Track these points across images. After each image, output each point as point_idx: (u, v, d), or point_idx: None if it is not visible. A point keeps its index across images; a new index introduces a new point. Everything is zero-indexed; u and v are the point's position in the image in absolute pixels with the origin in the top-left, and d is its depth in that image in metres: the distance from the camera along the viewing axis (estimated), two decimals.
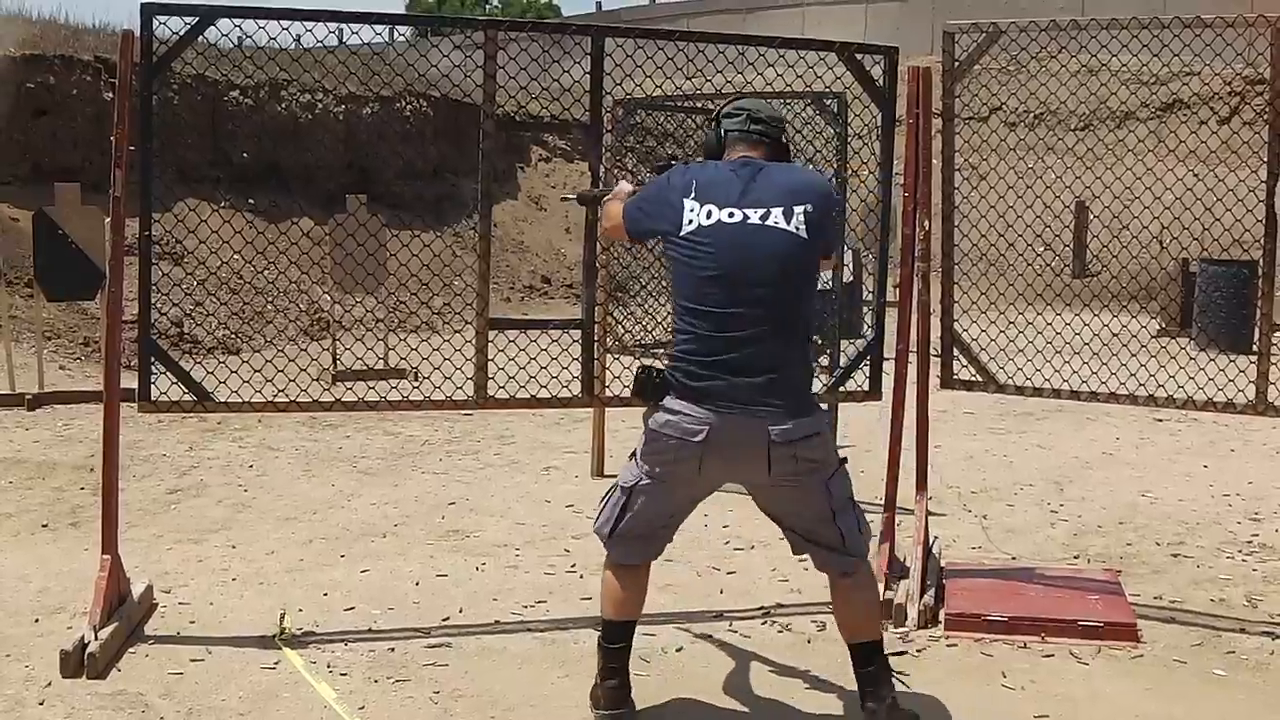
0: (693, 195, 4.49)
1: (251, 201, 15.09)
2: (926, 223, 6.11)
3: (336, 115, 19.02)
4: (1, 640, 5.44)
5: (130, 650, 5.31)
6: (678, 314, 4.55)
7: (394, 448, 9.70)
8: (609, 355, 8.00)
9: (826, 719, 4.78)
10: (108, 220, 6.04)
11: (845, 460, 4.65)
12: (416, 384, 6.36)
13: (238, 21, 5.63)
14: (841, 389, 6.47)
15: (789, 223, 4.42)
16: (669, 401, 4.45)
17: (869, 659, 4.57)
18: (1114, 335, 7.69)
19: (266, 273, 12.03)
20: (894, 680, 4.64)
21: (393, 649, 5.43)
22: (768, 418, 4.35)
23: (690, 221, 4.46)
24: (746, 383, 4.36)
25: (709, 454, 4.39)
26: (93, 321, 13.37)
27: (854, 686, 5.01)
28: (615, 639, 4.70)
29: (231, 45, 6.06)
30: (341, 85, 18.28)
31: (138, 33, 5.39)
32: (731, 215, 4.43)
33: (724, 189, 4.48)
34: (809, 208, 4.45)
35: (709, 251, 4.42)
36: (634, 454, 4.63)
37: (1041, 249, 7.06)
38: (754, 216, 4.42)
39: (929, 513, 6.36)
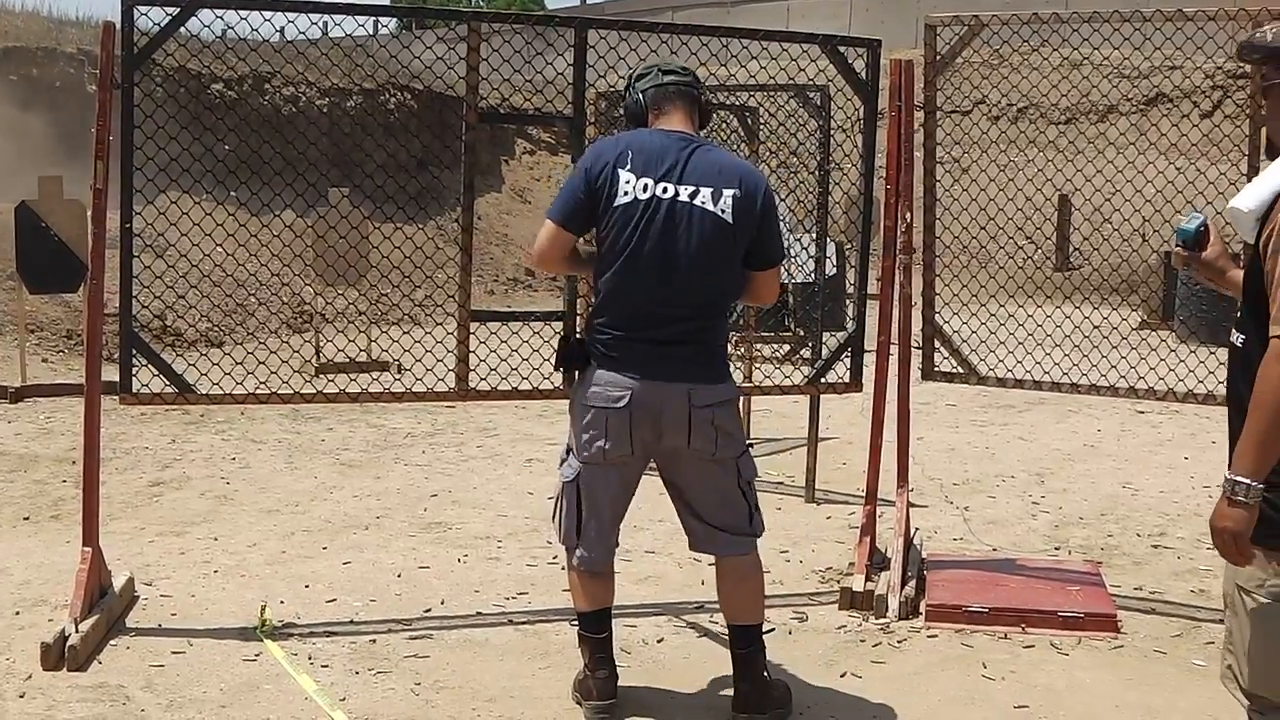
0: (628, 166, 4.48)
1: (234, 194, 15.05)
2: (908, 215, 6.12)
3: (320, 108, 18.99)
4: None
5: (111, 643, 5.31)
6: (598, 283, 4.59)
7: (376, 440, 9.70)
8: None
9: (805, 709, 4.79)
10: (89, 213, 6.03)
11: (751, 445, 4.73)
12: (399, 376, 6.35)
13: (220, 13, 5.61)
14: (823, 381, 6.48)
15: (715, 204, 4.45)
16: (592, 374, 4.53)
17: (749, 640, 4.68)
18: (1095, 328, 7.71)
19: (249, 265, 12.02)
20: (768, 660, 4.75)
21: (374, 641, 5.43)
22: (688, 383, 4.46)
23: (626, 194, 4.46)
24: (664, 353, 4.46)
25: (635, 419, 4.47)
26: (75, 314, 13.34)
27: (835, 677, 5.08)
28: (597, 629, 4.72)
29: (214, 37, 6.02)
30: (324, 77, 18.26)
31: (119, 24, 5.38)
32: (665, 190, 4.45)
33: (661, 162, 4.48)
34: (736, 193, 4.46)
35: (637, 225, 4.44)
36: (567, 450, 4.71)
37: (1023, 242, 7.07)
38: (684, 194, 4.44)
39: (910, 504, 6.37)
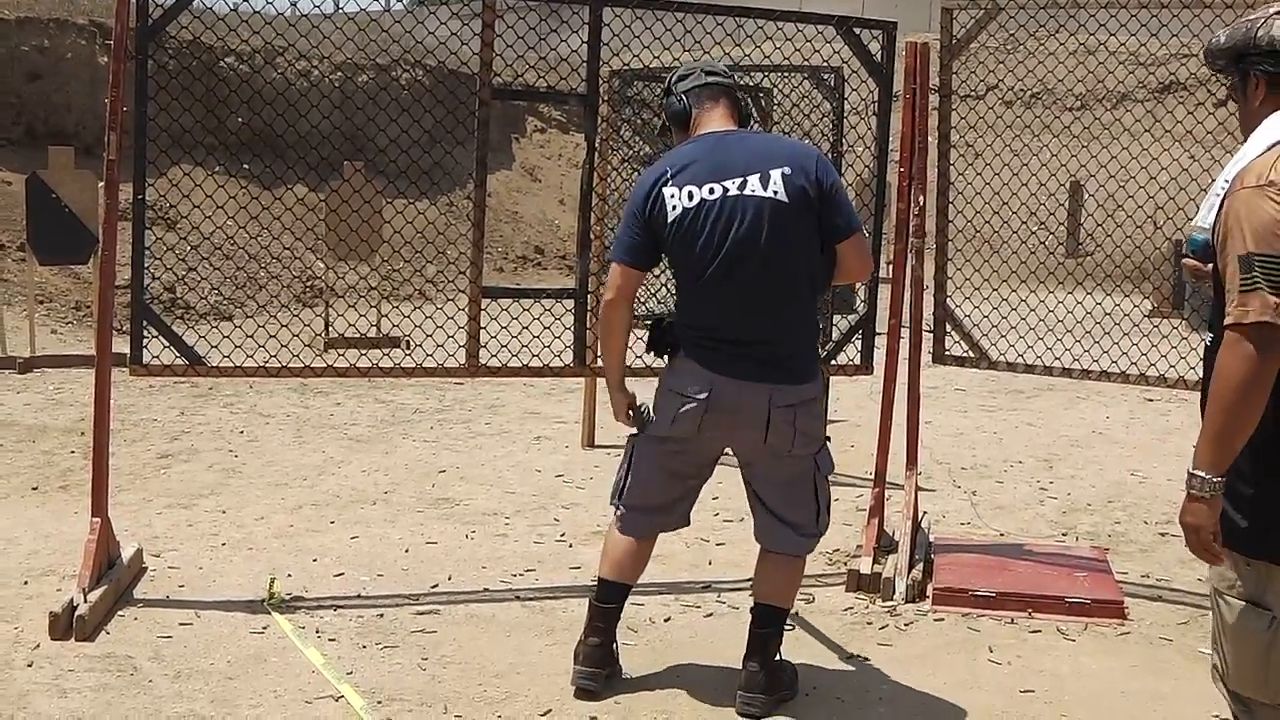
0: (670, 182, 4.47)
1: (246, 167, 15.06)
2: (921, 199, 6.12)
3: (332, 82, 18.96)
4: None
5: (119, 613, 5.32)
6: (677, 288, 4.61)
7: (385, 415, 9.71)
8: None
9: (813, 690, 4.79)
10: (101, 184, 6.02)
11: (829, 438, 4.68)
12: (409, 352, 6.34)
13: None
14: (833, 363, 6.47)
15: (766, 188, 4.40)
16: (678, 360, 4.54)
17: (771, 622, 4.66)
18: (1106, 314, 7.69)
19: (260, 239, 12.02)
20: (782, 647, 4.73)
21: (381, 615, 5.45)
22: (769, 384, 4.41)
23: (674, 208, 4.45)
24: (746, 353, 4.42)
25: (710, 414, 4.45)
26: (85, 285, 13.36)
27: (841, 659, 5.07)
28: (608, 599, 4.71)
29: (227, 9, 6.02)
30: (337, 52, 18.22)
31: None
32: (712, 191, 4.43)
33: (698, 166, 4.47)
34: (786, 170, 4.41)
35: (696, 230, 4.43)
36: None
37: (1036, 227, 7.05)
38: (732, 188, 4.42)
39: (918, 488, 6.38)
